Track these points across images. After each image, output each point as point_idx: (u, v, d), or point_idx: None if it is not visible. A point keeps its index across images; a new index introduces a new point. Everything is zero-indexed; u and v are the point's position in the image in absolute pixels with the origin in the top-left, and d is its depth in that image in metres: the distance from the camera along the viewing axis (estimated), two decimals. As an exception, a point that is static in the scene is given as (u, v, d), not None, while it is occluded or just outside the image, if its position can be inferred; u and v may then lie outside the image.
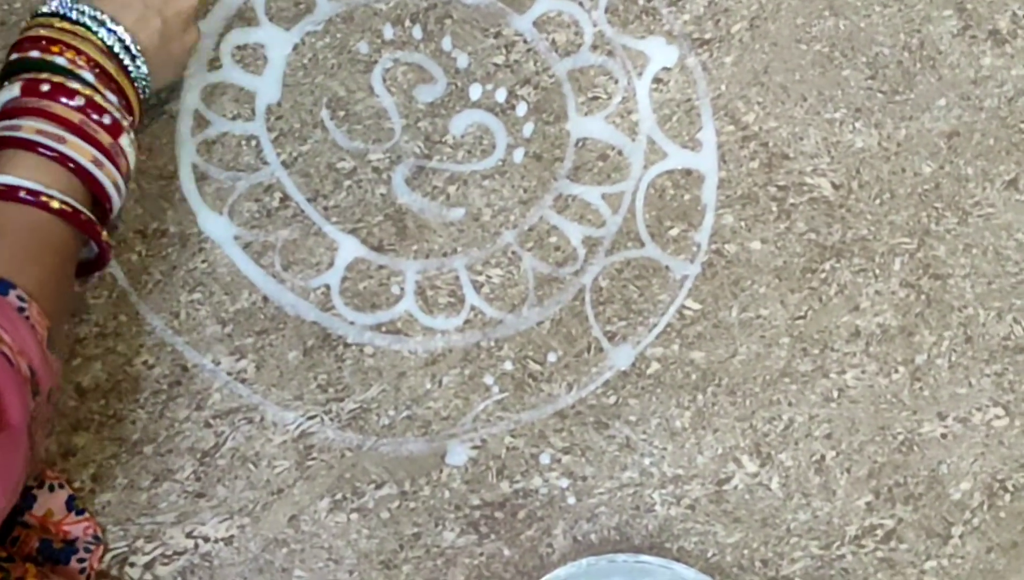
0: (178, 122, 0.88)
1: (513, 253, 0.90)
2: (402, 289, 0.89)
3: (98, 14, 0.76)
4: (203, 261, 0.87)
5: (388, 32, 0.91)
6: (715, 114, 0.92)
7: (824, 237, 0.91)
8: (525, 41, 0.92)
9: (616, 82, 0.92)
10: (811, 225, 0.91)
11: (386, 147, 0.90)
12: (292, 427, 0.85)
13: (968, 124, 0.93)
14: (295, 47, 0.91)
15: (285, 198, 0.89)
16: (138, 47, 0.78)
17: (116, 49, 0.77)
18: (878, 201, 0.92)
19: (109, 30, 0.76)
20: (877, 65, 0.93)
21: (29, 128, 0.71)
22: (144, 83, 0.79)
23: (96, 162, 0.73)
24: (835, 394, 0.90)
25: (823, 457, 0.89)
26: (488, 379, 0.88)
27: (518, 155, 0.91)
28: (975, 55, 0.94)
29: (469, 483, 0.86)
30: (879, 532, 0.88)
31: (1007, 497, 0.89)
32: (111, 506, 0.83)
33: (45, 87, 0.72)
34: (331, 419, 0.86)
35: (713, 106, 0.92)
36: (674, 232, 0.91)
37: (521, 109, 0.91)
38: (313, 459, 0.85)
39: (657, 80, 0.92)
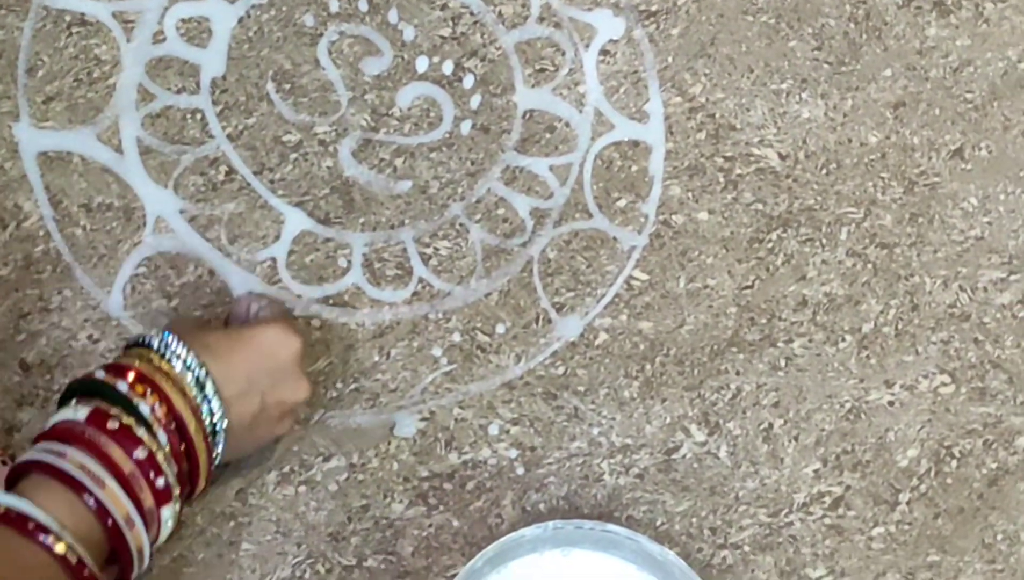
0: (122, 95, 0.88)
1: (461, 225, 0.90)
2: (349, 262, 0.88)
3: (202, 374, 0.72)
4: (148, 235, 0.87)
5: (334, 5, 0.91)
6: (662, 86, 0.92)
7: (771, 207, 0.92)
8: (471, 13, 0.92)
9: (563, 54, 0.92)
10: (758, 196, 0.92)
11: (332, 120, 0.90)
12: (239, 400, 0.85)
13: (914, 94, 0.94)
14: (240, 20, 0.90)
15: (231, 171, 0.88)
16: (225, 424, 0.74)
17: (204, 415, 0.72)
18: (824, 171, 0.92)
19: (207, 398, 0.73)
20: (823, 36, 0.94)
21: (73, 461, 0.66)
22: (216, 459, 0.75)
23: (128, 521, 0.67)
24: (782, 363, 0.90)
25: (771, 426, 0.89)
26: (436, 351, 0.88)
27: (465, 127, 0.91)
28: (920, 26, 0.94)
29: (417, 455, 0.86)
30: (827, 499, 0.89)
31: (954, 463, 0.90)
32: (56, 481, 0.82)
33: (113, 424, 0.68)
34: (278, 392, 0.85)
35: (660, 78, 0.92)
36: (622, 203, 0.91)
37: (468, 81, 0.91)
38: (260, 432, 0.85)
39: (604, 52, 0.92)
